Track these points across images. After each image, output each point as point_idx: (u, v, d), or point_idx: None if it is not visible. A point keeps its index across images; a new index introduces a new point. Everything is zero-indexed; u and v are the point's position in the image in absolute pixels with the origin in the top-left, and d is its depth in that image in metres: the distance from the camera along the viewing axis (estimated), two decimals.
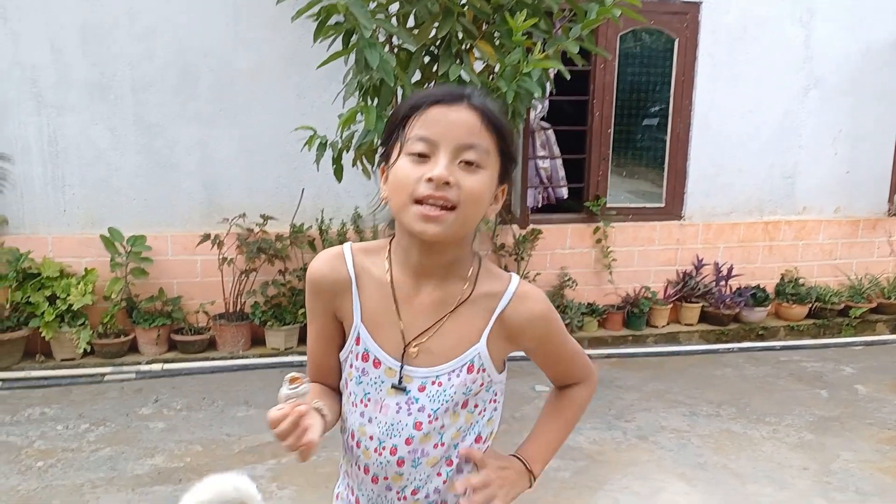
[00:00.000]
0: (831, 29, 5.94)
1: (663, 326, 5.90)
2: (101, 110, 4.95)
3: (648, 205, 6.02)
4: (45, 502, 3.27)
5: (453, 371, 1.27)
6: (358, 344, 1.30)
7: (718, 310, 5.88)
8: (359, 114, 3.66)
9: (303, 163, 4.96)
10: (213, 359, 5.05)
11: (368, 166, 4.18)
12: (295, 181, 5.27)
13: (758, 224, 6.18)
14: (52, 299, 4.83)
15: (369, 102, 3.72)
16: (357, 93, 3.76)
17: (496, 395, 1.34)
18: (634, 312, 5.78)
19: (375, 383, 1.29)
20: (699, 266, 6.01)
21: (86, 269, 4.96)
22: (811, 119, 6.08)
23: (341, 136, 4.06)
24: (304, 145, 3.97)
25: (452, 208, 1.14)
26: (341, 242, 1.39)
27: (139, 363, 4.92)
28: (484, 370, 1.28)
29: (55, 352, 4.91)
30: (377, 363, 1.29)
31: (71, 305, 4.77)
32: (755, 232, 6.18)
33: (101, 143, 4.99)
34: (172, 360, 4.99)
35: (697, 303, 5.93)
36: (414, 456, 1.28)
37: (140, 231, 5.01)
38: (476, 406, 1.31)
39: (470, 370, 1.27)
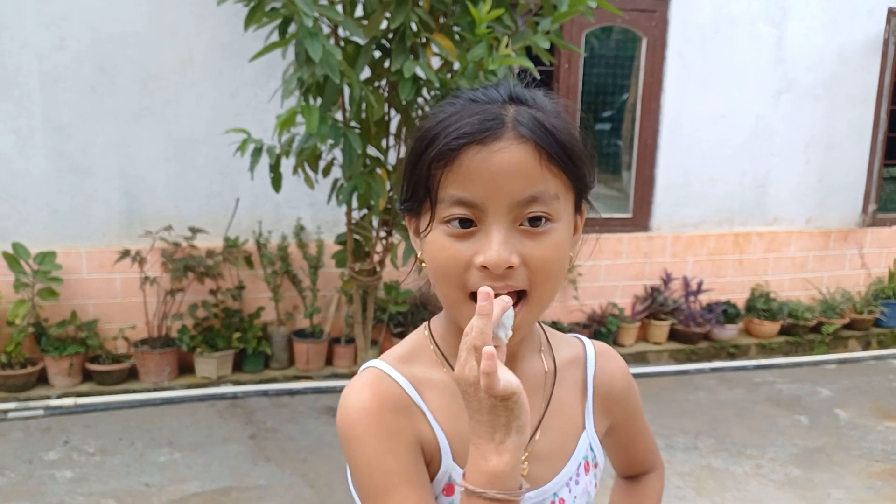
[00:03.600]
0: (804, 30, 5.63)
1: (631, 345, 5.52)
2: (4, 108, 4.36)
3: (615, 215, 5.63)
4: None
5: (572, 479, 0.99)
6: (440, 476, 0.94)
7: (688, 327, 5.52)
8: (299, 115, 3.18)
9: (237, 169, 4.49)
10: (135, 391, 4.47)
11: (312, 174, 3.71)
12: (229, 189, 4.73)
13: (727, 236, 5.84)
14: None
15: (311, 102, 3.23)
16: (298, 91, 3.28)
17: None
18: (601, 331, 5.38)
19: None
20: (668, 281, 5.65)
21: None
22: (783, 124, 5.77)
23: (280, 141, 3.58)
24: (237, 150, 3.49)
25: (523, 292, 0.88)
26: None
27: (49, 397, 4.33)
28: (597, 465, 1.03)
29: None
30: None
31: None
32: (725, 244, 5.84)
33: (3, 147, 4.39)
34: (87, 394, 4.41)
35: (666, 320, 5.56)
36: None
37: (49, 246, 4.44)
38: None
39: (587, 470, 1.01)
